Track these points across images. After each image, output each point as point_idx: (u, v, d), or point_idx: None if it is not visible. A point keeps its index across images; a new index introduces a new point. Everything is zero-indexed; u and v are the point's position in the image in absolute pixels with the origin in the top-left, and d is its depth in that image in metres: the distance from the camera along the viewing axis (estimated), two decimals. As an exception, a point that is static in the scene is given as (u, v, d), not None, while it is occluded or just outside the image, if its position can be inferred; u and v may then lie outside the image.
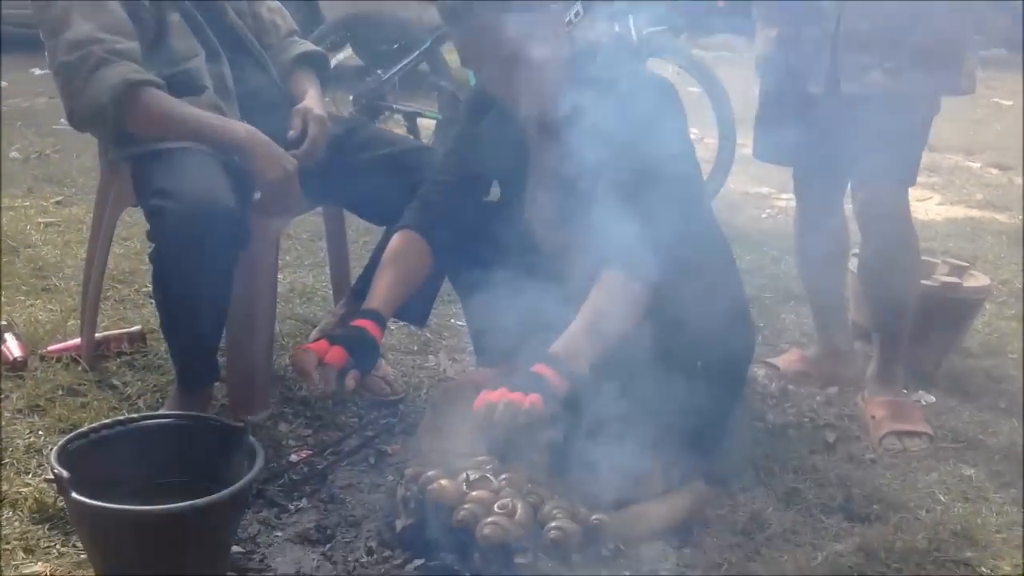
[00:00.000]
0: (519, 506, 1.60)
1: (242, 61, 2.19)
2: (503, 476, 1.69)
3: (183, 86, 2.04)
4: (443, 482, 1.65)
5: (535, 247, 1.97)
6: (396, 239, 2.00)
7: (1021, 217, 4.30)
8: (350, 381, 1.78)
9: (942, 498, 2.05)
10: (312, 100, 2.17)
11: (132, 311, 2.78)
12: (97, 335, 2.44)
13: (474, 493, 1.63)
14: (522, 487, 1.66)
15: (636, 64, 1.96)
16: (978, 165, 5.38)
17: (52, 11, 1.97)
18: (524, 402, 1.61)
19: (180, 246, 1.83)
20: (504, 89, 1.87)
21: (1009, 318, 3.08)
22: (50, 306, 2.76)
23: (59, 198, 3.81)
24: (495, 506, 1.60)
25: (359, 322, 1.88)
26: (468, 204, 2.02)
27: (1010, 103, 7.34)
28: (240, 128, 1.99)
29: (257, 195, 1.99)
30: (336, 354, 1.79)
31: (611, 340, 1.75)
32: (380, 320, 1.89)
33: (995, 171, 5.30)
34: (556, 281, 1.78)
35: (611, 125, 1.72)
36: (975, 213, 4.40)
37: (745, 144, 2.18)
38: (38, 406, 2.21)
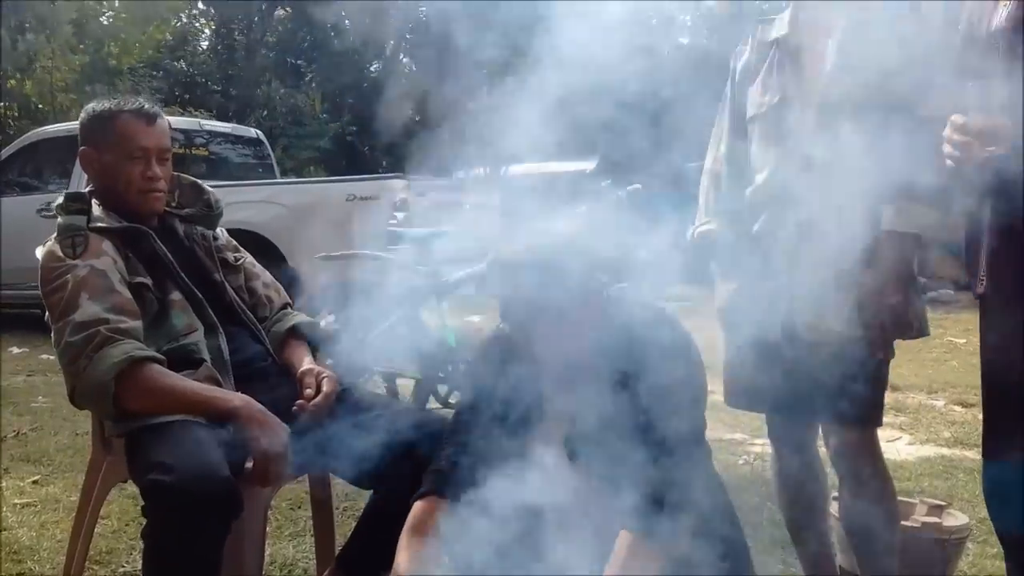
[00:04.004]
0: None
1: (237, 333, 2.32)
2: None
3: (182, 360, 2.15)
4: None
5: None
6: (418, 507, 1.90)
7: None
8: None
9: None
10: (311, 363, 2.29)
11: (109, 592, 2.71)
12: (75, 619, 2.37)
13: None
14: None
15: (656, 308, 2.01)
16: (942, 403, 5.52)
17: (61, 295, 2.10)
18: None
19: (177, 520, 1.83)
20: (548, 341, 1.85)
21: (993, 556, 3.06)
22: (25, 591, 2.69)
23: (36, 477, 3.77)
24: None
25: None
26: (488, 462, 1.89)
27: (963, 341, 7.64)
28: (236, 398, 2.06)
29: (249, 464, 2.02)
30: None
31: None
32: None
33: (959, 408, 5.42)
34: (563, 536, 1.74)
35: (631, 373, 1.76)
36: (945, 451, 4.46)
37: (715, 391, 2.26)
38: None
